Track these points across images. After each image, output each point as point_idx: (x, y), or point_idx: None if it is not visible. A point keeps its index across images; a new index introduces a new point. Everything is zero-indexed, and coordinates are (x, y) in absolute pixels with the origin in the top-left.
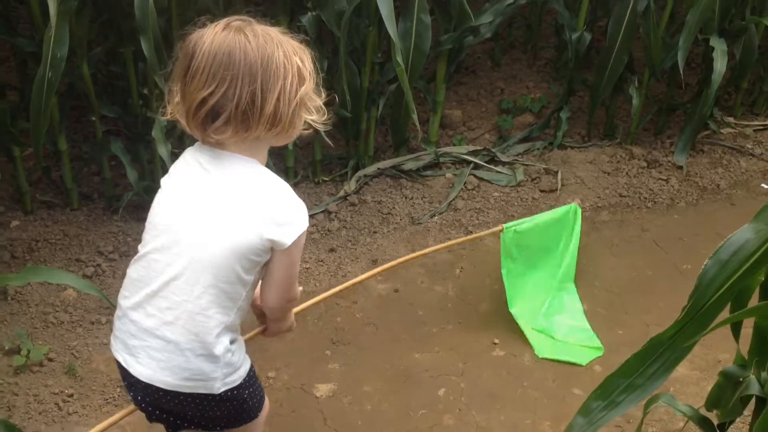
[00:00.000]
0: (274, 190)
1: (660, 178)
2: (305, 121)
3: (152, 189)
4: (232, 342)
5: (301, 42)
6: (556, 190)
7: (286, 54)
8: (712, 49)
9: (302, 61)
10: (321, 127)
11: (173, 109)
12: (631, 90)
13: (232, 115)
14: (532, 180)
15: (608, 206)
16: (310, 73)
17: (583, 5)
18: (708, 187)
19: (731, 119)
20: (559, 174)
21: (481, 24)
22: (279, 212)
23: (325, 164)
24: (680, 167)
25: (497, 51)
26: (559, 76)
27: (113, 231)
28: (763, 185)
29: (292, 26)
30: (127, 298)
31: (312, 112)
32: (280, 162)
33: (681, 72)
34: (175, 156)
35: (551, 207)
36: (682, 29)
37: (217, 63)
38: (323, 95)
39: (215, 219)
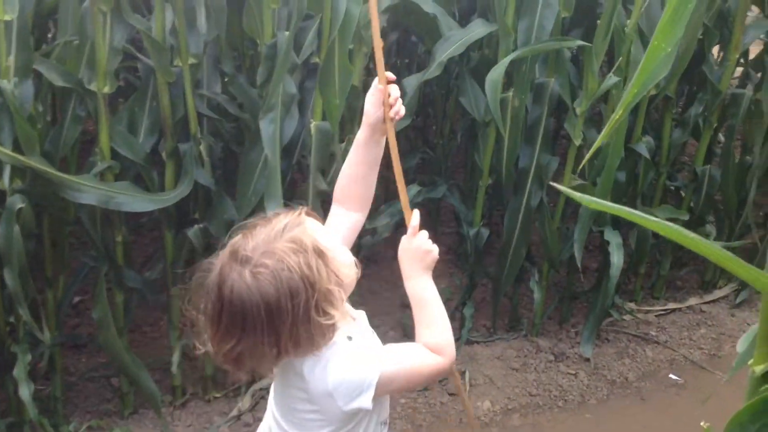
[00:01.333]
0: (333, 372)
1: (568, 373)
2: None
3: (17, 425)
4: None
5: (291, 213)
6: (465, 392)
7: (291, 274)
8: (608, 242)
9: (306, 262)
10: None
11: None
12: (532, 284)
13: (275, 357)
14: (440, 382)
15: (519, 407)
16: (317, 262)
17: (478, 200)
18: (617, 380)
19: (633, 305)
20: (467, 374)
21: (378, 225)
22: (344, 391)
23: (217, 380)
24: (587, 359)
25: (398, 240)
26: (462, 265)
27: None
28: (671, 376)
29: (177, 240)
30: None
31: (336, 300)
32: (165, 379)
33: (579, 265)
34: (38, 391)
35: (460, 411)
36: (577, 217)
37: (245, 316)
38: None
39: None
